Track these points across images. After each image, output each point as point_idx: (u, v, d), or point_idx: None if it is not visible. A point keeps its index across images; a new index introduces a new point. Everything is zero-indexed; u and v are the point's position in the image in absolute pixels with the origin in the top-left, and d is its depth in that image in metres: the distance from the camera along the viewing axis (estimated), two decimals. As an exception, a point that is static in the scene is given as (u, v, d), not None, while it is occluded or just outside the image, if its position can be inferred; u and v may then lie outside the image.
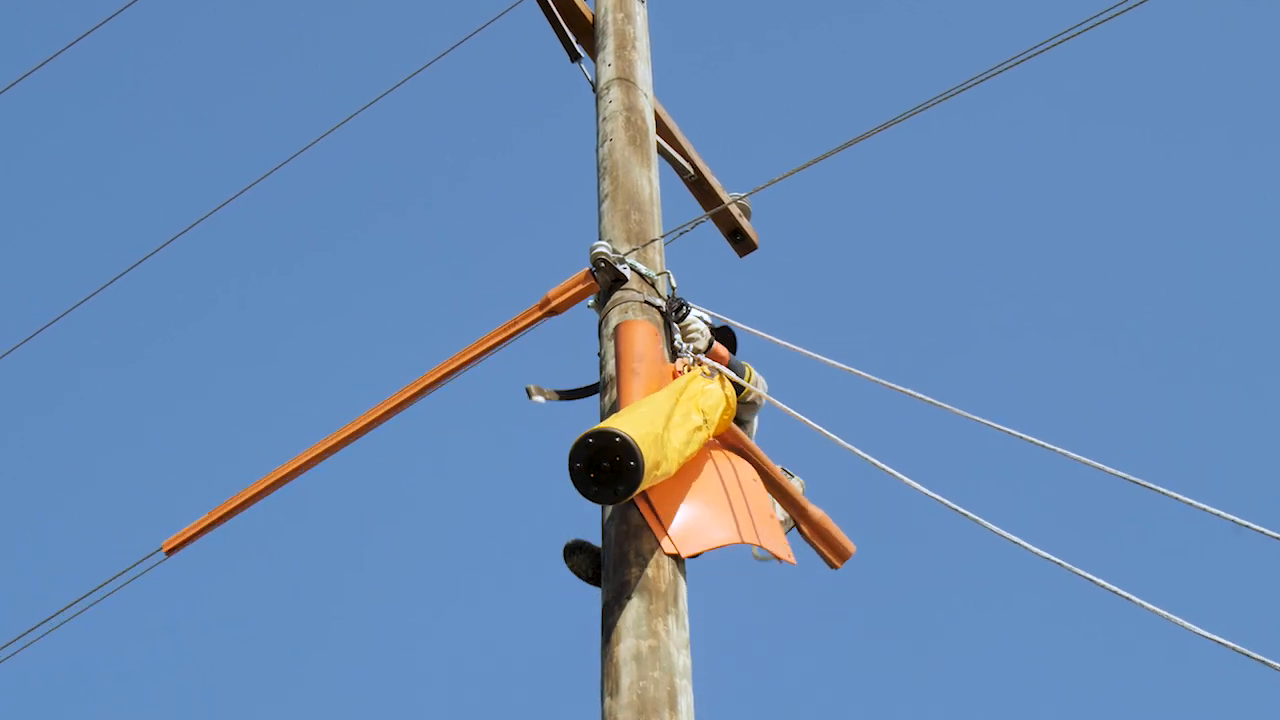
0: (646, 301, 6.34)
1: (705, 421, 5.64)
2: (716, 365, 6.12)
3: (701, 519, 5.57)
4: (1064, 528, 17.81)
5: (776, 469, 6.30)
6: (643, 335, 6.01)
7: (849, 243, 18.57)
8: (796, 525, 6.26)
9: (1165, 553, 18.20)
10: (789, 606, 16.27)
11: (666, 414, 5.42)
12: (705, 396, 5.74)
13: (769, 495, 6.00)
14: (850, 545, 6.25)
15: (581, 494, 5.19)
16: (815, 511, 6.36)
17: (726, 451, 6.00)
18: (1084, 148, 20.48)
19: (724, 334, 7.40)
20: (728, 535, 5.56)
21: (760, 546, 5.68)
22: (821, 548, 6.24)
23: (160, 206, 19.40)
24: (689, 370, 5.97)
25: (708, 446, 5.85)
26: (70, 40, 10.41)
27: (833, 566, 6.21)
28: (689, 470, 5.66)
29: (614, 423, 5.19)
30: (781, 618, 16.31)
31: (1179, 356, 19.93)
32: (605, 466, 5.16)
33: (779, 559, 5.72)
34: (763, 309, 7.61)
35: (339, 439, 6.81)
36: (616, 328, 6.08)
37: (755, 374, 6.93)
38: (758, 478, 5.97)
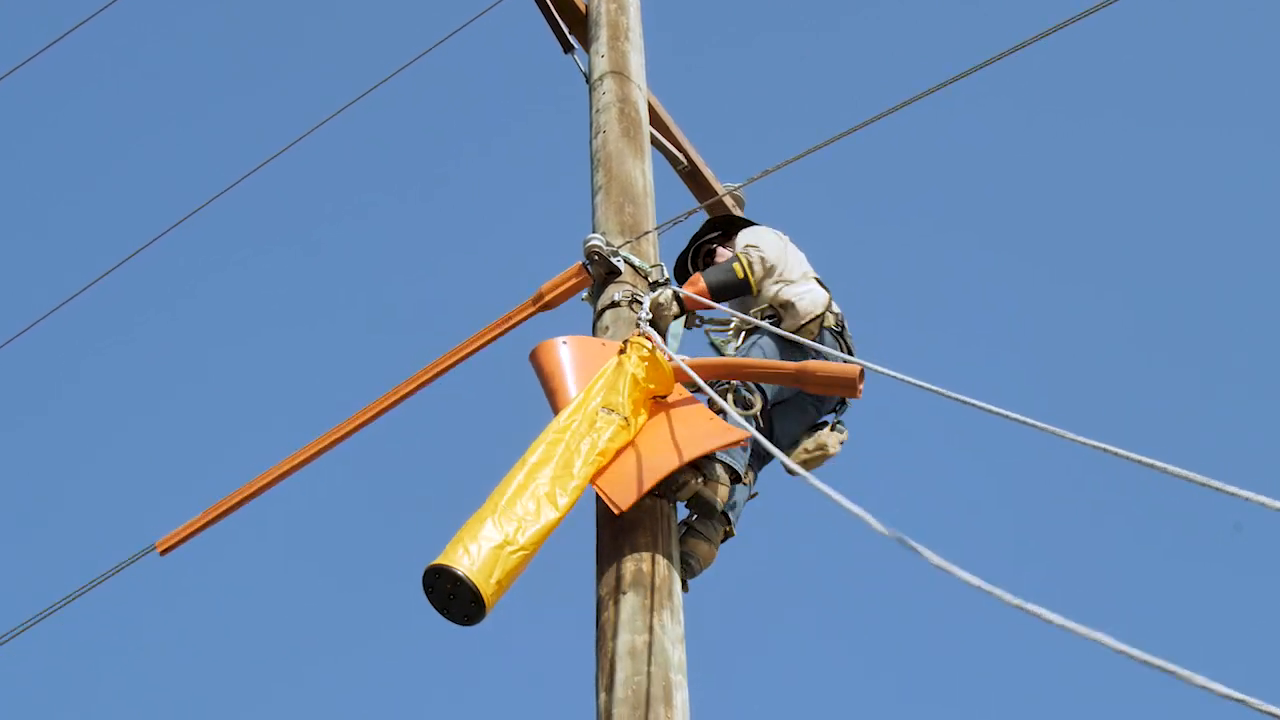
0: (637, 296, 6.30)
1: (621, 413, 5.58)
2: (651, 334, 5.94)
3: (630, 470, 5.50)
4: (1066, 520, 17.83)
5: (760, 363, 6.13)
6: (546, 353, 5.99)
7: (843, 234, 18.53)
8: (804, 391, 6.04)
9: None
10: (786, 602, 16.27)
11: (521, 477, 5.32)
12: (615, 386, 5.64)
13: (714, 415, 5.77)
14: (851, 370, 5.84)
15: (460, 624, 5.09)
16: (804, 366, 6.01)
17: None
18: (1076, 139, 20.48)
19: (726, 225, 7.04)
20: (663, 467, 5.48)
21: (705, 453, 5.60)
22: (834, 392, 5.96)
23: (154, 200, 19.35)
24: (629, 347, 5.84)
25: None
26: (65, 32, 10.38)
27: (855, 397, 5.84)
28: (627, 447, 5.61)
29: (441, 557, 5.09)
30: (779, 613, 16.30)
31: (1176, 349, 19.94)
32: (449, 590, 5.06)
33: (736, 443, 5.58)
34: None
35: (332, 438, 6.75)
36: (529, 355, 6.06)
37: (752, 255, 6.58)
38: (689, 397, 5.83)
